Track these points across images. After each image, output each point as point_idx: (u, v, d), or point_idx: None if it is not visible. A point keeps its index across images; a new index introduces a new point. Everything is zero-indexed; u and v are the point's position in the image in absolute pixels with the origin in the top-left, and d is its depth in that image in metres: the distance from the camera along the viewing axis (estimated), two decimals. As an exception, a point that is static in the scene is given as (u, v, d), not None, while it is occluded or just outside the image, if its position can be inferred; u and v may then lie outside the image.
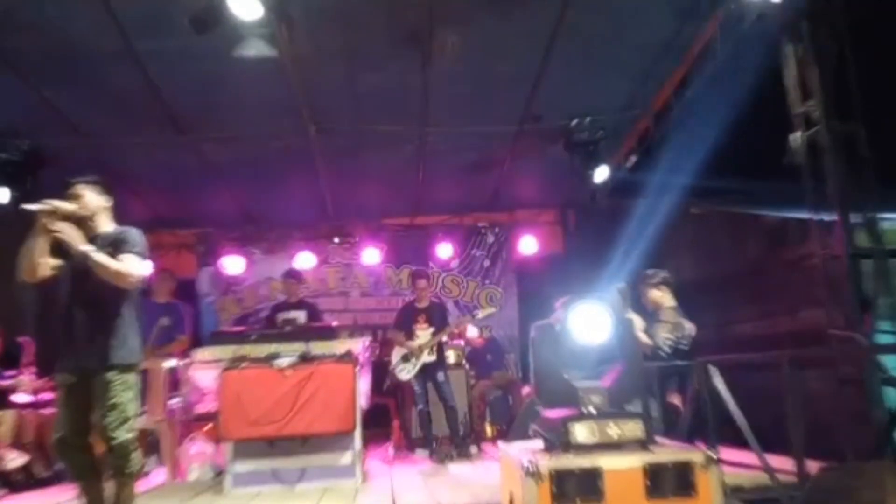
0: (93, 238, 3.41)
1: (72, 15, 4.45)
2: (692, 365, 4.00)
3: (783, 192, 4.51)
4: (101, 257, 3.25)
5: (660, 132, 6.07)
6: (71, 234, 3.21)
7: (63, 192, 3.40)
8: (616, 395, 2.91)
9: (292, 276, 6.80)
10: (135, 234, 3.45)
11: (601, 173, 6.49)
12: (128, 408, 3.27)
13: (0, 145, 5.82)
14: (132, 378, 3.35)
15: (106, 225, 3.49)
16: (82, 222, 3.41)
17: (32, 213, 3.20)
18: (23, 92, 5.19)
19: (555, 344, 2.94)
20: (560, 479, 2.63)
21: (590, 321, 2.92)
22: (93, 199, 3.45)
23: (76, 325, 3.29)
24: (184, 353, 5.94)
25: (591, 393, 2.87)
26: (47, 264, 3.29)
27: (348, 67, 5.30)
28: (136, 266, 3.35)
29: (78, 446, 3.28)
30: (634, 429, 2.81)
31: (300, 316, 6.17)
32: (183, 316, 6.25)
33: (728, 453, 3.96)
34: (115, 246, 3.38)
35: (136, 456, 3.32)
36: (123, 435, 3.21)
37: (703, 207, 5.87)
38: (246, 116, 5.94)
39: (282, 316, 6.17)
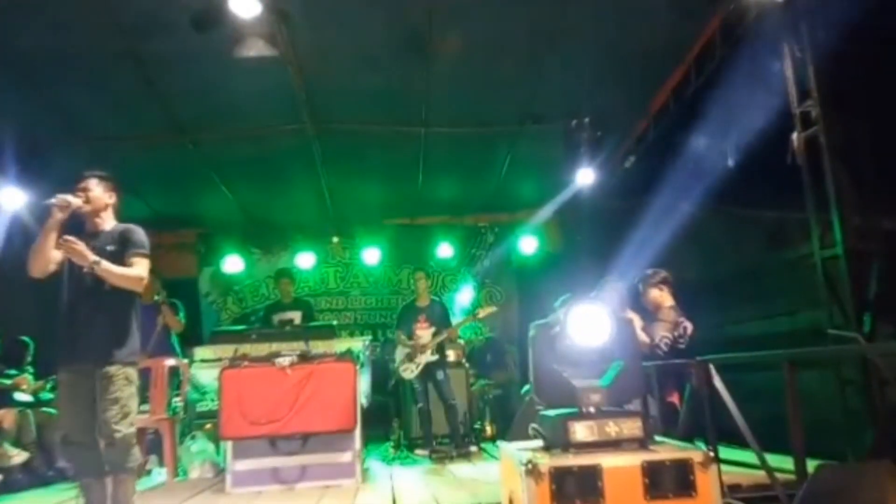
0: (96, 234, 3.43)
1: (72, 15, 4.46)
2: (691, 364, 4.00)
3: (783, 191, 4.51)
4: (108, 267, 3.28)
5: (659, 132, 6.08)
6: (78, 250, 3.22)
7: (73, 186, 3.43)
8: (615, 395, 2.91)
9: (286, 275, 6.79)
10: (140, 234, 3.47)
11: (600, 173, 6.49)
12: (129, 403, 3.30)
13: (0, 145, 5.83)
14: (133, 373, 3.37)
15: (110, 221, 3.53)
16: (88, 217, 3.45)
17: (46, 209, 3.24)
18: (23, 92, 5.19)
19: (553, 343, 2.94)
20: (559, 478, 2.63)
21: (589, 323, 2.92)
22: (100, 195, 3.48)
23: (78, 323, 3.30)
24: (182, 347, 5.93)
25: (591, 392, 2.87)
26: (54, 260, 3.31)
27: (349, 67, 5.30)
28: (144, 270, 3.40)
29: (82, 444, 3.28)
30: (633, 427, 2.81)
31: (296, 316, 6.16)
32: (174, 309, 6.22)
33: (727, 452, 3.96)
34: (119, 244, 3.41)
35: (136, 451, 3.34)
36: (124, 429, 3.23)
37: (702, 207, 5.87)
38: (246, 116, 5.95)
39: (277, 317, 6.16)
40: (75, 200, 3.33)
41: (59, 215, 3.25)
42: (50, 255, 3.28)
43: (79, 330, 3.29)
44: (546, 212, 8.50)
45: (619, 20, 4.83)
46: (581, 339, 2.91)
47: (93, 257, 3.24)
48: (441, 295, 8.62)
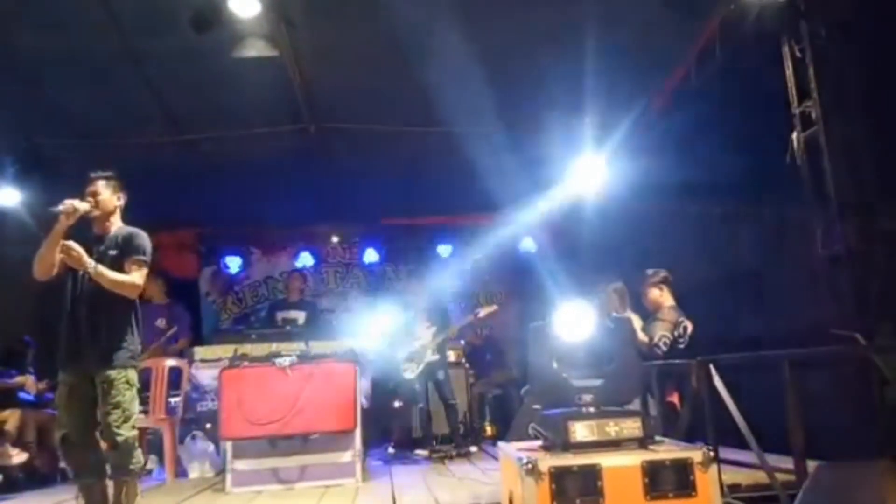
0: (103, 238, 3.43)
1: (72, 15, 4.46)
2: (691, 364, 4.01)
3: (783, 191, 4.51)
4: (104, 272, 3.29)
5: (659, 132, 6.08)
6: (75, 256, 3.23)
7: (81, 189, 3.43)
8: (613, 394, 2.92)
9: (298, 273, 6.85)
10: (143, 241, 3.48)
11: (601, 173, 6.49)
12: (130, 406, 3.31)
13: (1, 145, 5.83)
14: (133, 376, 3.38)
15: (116, 224, 3.53)
16: (96, 221, 3.46)
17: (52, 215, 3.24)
18: (23, 92, 5.20)
19: (548, 343, 2.96)
20: (559, 478, 2.64)
21: (573, 320, 2.94)
22: (108, 198, 3.49)
23: (79, 325, 3.31)
24: (181, 353, 5.94)
25: (585, 391, 2.88)
26: (58, 264, 3.32)
27: (349, 67, 5.30)
28: (139, 278, 3.41)
29: (82, 444, 3.30)
30: (633, 427, 2.82)
31: (300, 316, 6.17)
32: (181, 317, 6.24)
33: (727, 452, 3.96)
34: (122, 250, 3.42)
35: (138, 453, 3.36)
36: (126, 432, 3.25)
37: (702, 207, 5.87)
38: (246, 116, 5.94)
39: (281, 315, 6.16)
40: (82, 206, 3.33)
41: (66, 222, 3.26)
42: (55, 260, 3.30)
43: (80, 333, 3.31)
44: (546, 211, 8.51)
45: (619, 20, 4.83)
46: (567, 336, 2.93)
47: (90, 263, 3.24)
48: (440, 295, 8.60)
